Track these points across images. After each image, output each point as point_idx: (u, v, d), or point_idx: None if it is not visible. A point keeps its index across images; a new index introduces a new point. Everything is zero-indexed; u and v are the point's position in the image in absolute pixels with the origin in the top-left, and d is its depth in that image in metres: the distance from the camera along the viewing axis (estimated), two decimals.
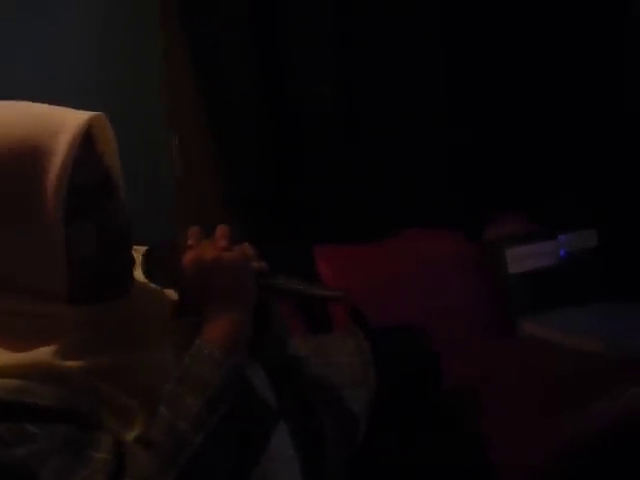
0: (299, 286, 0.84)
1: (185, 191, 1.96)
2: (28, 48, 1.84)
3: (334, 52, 2.01)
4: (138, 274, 0.81)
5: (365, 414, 1.13)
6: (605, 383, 1.66)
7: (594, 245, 2.26)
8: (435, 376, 1.32)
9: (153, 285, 0.82)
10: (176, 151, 1.92)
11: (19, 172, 0.70)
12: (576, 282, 2.17)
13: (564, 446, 1.49)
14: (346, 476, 1.00)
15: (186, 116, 1.89)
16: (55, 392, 0.68)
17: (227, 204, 1.87)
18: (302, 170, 1.99)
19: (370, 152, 2.10)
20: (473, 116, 2.29)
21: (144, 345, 0.76)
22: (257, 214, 1.91)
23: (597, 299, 2.11)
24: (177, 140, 1.92)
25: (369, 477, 1.21)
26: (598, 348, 1.77)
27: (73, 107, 0.77)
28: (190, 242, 0.78)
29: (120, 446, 0.67)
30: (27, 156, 0.70)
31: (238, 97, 1.85)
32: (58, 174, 0.70)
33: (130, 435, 0.69)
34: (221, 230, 0.79)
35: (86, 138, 0.74)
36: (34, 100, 0.79)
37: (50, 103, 0.78)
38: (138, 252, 0.82)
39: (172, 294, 0.83)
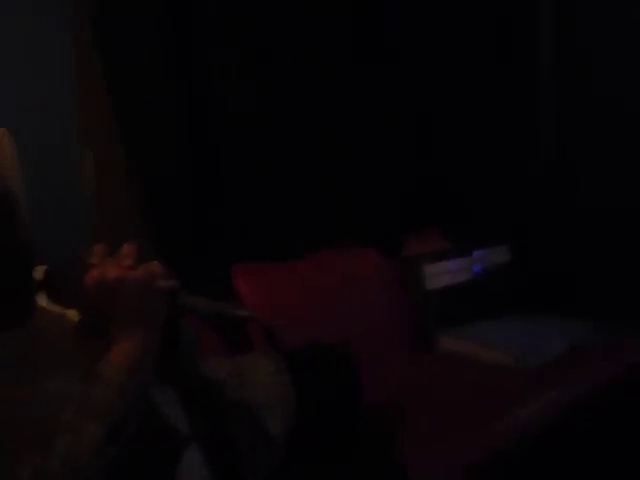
0: (210, 305, 0.83)
1: (100, 208, 1.90)
2: None
3: (253, 70, 2.02)
4: (40, 296, 0.78)
5: (284, 435, 1.12)
6: (518, 393, 1.72)
7: (507, 260, 2.36)
8: (355, 393, 1.32)
9: (56, 307, 0.79)
10: (90, 167, 1.86)
11: None
12: (490, 297, 2.25)
13: (484, 456, 1.52)
14: None
15: (99, 132, 1.84)
16: None
17: (142, 221, 1.82)
18: (221, 188, 1.97)
19: (290, 171, 2.11)
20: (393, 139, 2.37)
21: (43, 374, 0.72)
22: (173, 232, 1.87)
23: (510, 312, 2.19)
24: (91, 156, 1.86)
25: None
26: (510, 360, 1.84)
27: None
28: (93, 261, 0.76)
29: None
30: None
31: (153, 113, 1.82)
32: None
33: (24, 471, 0.65)
34: (127, 248, 0.77)
35: None
36: None
37: None
38: (41, 272, 0.78)
39: (76, 315, 0.80)
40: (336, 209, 2.17)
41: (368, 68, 2.29)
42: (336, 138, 2.20)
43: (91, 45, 1.79)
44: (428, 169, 2.47)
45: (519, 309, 2.22)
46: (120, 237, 0.93)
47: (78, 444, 0.65)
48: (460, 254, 2.26)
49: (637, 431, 1.81)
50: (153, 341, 0.75)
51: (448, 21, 2.48)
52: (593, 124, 2.53)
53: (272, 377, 1.10)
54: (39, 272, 0.78)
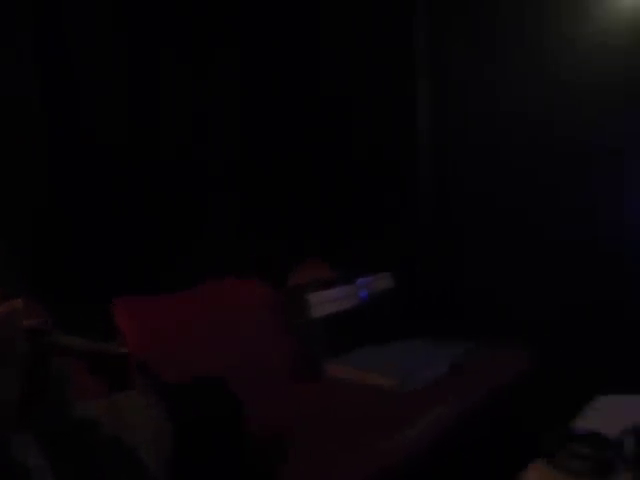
0: (85, 344, 0.80)
1: None
2: None
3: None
4: None
5: (162, 471, 1.08)
6: (402, 414, 1.77)
7: (390, 287, 2.44)
8: (236, 426, 1.30)
9: None
10: None
11: None
12: (375, 322, 2.32)
13: (374, 476, 1.54)
14: None
15: None
16: None
17: (12, 257, 1.72)
18: (95, 222, 1.91)
19: (175, 201, 2.08)
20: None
21: None
22: (48, 267, 1.78)
23: (395, 337, 2.27)
24: None
25: None
26: (394, 383, 1.88)
27: None
28: None
29: None
30: None
31: (24, 143, 1.75)
32: None
33: None
34: None
35: None
36: None
37: None
38: None
39: None
40: (220, 239, 2.16)
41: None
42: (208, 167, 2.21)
43: None
44: (311, 202, 2.53)
45: (404, 333, 2.30)
46: None
47: None
48: (345, 282, 2.31)
49: (517, 440, 1.91)
50: (13, 385, 0.70)
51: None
52: (470, 153, 2.71)
53: (148, 413, 1.06)
54: None
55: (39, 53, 1.82)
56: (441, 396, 1.85)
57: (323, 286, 2.22)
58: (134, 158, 2.00)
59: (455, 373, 1.98)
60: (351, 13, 2.66)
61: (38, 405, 0.79)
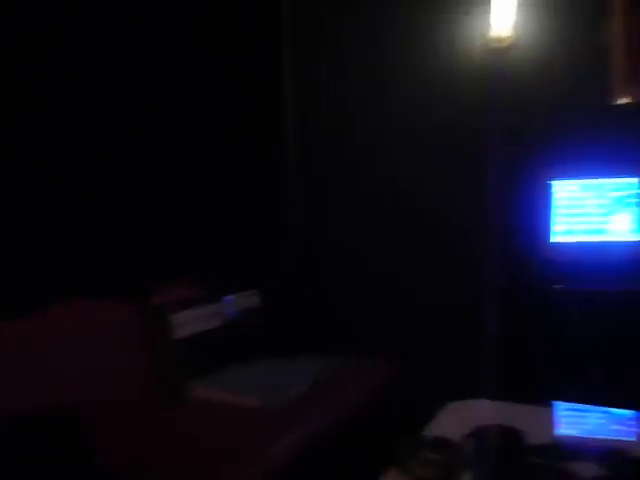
0: None
1: None
2: None
3: None
4: None
5: None
6: (267, 432, 1.75)
7: (256, 305, 2.42)
8: (85, 457, 1.22)
9: None
10: None
11: None
12: (241, 341, 2.29)
13: None
14: None
15: None
16: None
17: None
18: None
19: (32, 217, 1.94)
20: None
21: None
22: None
23: (261, 355, 2.25)
24: None
25: None
26: (257, 402, 1.86)
27: None
28: None
29: None
30: None
31: None
32: None
33: None
34: None
35: None
36: None
37: None
38: None
39: None
40: (77, 256, 2.03)
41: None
42: (74, 183, 2.08)
43: None
44: (174, 217, 2.47)
45: (269, 351, 2.29)
46: None
47: None
48: (210, 300, 2.26)
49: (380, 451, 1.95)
50: None
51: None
52: (337, 168, 2.78)
53: None
54: None
55: None
56: (304, 413, 1.85)
57: (187, 305, 2.15)
58: None
59: (318, 389, 1.99)
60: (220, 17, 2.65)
61: None
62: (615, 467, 0.96)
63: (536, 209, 2.44)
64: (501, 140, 2.51)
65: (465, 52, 2.61)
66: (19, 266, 1.90)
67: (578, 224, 2.41)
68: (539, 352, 2.29)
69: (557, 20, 2.53)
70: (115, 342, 1.91)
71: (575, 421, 1.59)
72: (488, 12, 2.51)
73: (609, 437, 1.40)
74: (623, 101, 2.52)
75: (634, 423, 1.59)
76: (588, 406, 1.60)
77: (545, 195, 2.43)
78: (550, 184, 2.43)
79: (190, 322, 2.12)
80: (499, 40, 2.55)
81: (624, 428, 1.54)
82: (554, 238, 2.42)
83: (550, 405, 1.65)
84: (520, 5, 2.51)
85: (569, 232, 2.42)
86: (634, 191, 2.38)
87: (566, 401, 1.70)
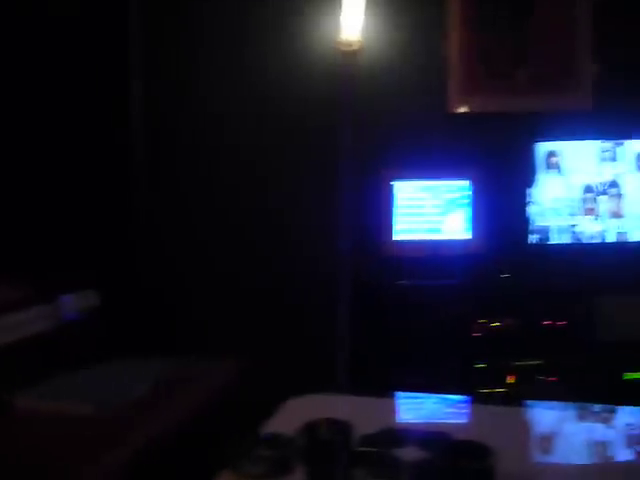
0: None
1: None
2: None
3: None
4: None
5: None
6: (103, 439, 1.64)
7: (95, 304, 2.28)
8: None
9: None
10: None
11: None
12: (77, 344, 2.14)
13: None
14: None
15: None
16: None
17: None
18: None
19: None
20: None
21: None
22: None
23: (100, 359, 2.12)
24: None
25: None
26: (90, 409, 1.75)
27: None
28: None
29: None
30: None
31: None
32: None
33: None
34: None
35: None
36: None
37: None
38: None
39: None
40: None
41: None
42: None
43: None
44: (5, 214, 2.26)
45: (108, 355, 2.16)
46: None
47: None
48: (44, 301, 2.09)
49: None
50: None
51: None
52: (180, 165, 2.69)
53: None
54: None
55: None
56: (142, 417, 1.77)
57: (15, 307, 1.97)
58: None
59: (159, 391, 1.91)
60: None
61: None
62: (437, 450, 1.01)
63: (381, 208, 2.54)
64: (350, 141, 2.58)
65: (317, 53, 2.65)
66: None
67: (417, 223, 2.54)
68: (385, 346, 2.38)
69: (404, 30, 2.65)
70: None
71: (410, 409, 1.66)
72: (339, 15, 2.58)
73: (437, 422, 1.48)
74: (460, 110, 2.70)
75: (461, 407, 1.69)
76: (425, 394, 1.68)
77: (389, 195, 2.53)
78: (392, 185, 2.54)
79: (14, 326, 1.94)
80: (348, 44, 2.62)
81: (452, 412, 1.63)
82: (397, 236, 2.53)
83: (388, 396, 1.70)
84: (368, 12, 2.59)
85: (409, 230, 2.54)
86: (466, 193, 2.56)
87: (408, 390, 1.77)
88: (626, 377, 2.39)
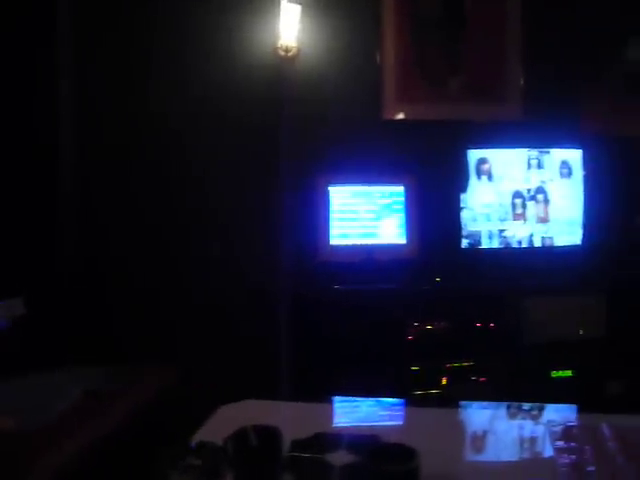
0: None
1: None
2: None
3: None
4: None
5: None
6: (25, 459, 1.58)
7: (21, 313, 2.20)
8: None
9: None
10: None
11: None
12: (3, 355, 2.05)
13: None
14: None
15: None
16: None
17: None
18: None
19: None
20: None
21: None
22: None
23: (24, 370, 2.04)
24: None
25: None
26: (13, 424, 1.68)
27: None
28: None
29: None
30: None
31: None
32: None
33: None
34: None
35: None
36: None
37: None
38: None
39: None
40: None
41: None
42: None
43: None
44: None
45: (36, 365, 2.08)
46: None
47: None
48: None
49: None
50: None
51: None
52: (112, 168, 2.62)
53: None
54: None
55: None
56: (72, 428, 1.71)
57: None
58: None
59: (87, 403, 1.86)
60: None
61: None
62: (365, 452, 1.02)
63: (318, 213, 2.55)
64: (288, 145, 2.59)
65: (256, 56, 2.64)
66: None
67: (353, 228, 2.57)
68: (322, 351, 2.39)
69: (341, 36, 2.68)
70: None
71: (344, 413, 1.67)
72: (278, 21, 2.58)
73: (370, 425, 1.49)
74: (394, 117, 2.74)
75: (395, 410, 1.71)
76: (361, 398, 1.69)
77: (325, 200, 2.54)
78: (328, 190, 2.55)
79: None
80: (286, 49, 2.63)
81: (386, 416, 1.65)
82: (333, 241, 2.55)
83: (324, 400, 1.71)
84: (306, 19, 2.61)
85: (345, 235, 2.56)
86: (400, 198, 2.60)
87: (345, 394, 1.78)
88: (554, 375, 2.48)
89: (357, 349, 2.36)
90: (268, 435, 1.04)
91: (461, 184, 2.55)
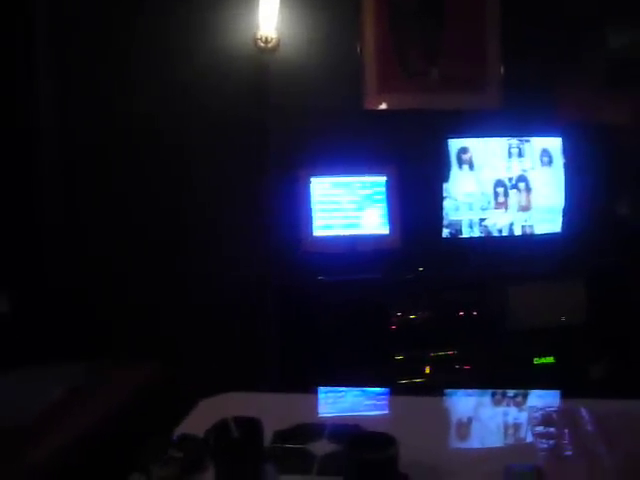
0: None
1: None
2: None
3: None
4: None
5: None
6: (8, 457, 1.57)
7: (5, 309, 2.19)
8: None
9: None
10: None
11: None
12: None
13: None
14: None
15: None
16: None
17: None
18: None
19: None
20: None
21: None
22: None
23: (8, 366, 2.02)
24: None
25: None
26: (2, 421, 1.67)
27: None
28: None
29: None
30: None
31: None
32: None
33: None
34: None
35: None
36: None
37: None
38: None
39: None
40: None
41: None
42: None
43: None
44: None
45: (20, 360, 2.07)
46: None
47: None
48: None
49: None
50: None
51: None
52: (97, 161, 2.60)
53: None
54: None
55: None
56: (54, 425, 1.71)
57: None
58: None
59: (73, 397, 1.85)
60: None
61: None
62: (346, 442, 1.02)
63: (300, 205, 2.55)
64: (269, 137, 2.58)
65: (236, 48, 2.63)
66: None
67: (335, 219, 2.57)
68: (307, 342, 2.40)
69: (320, 27, 2.67)
70: None
71: (327, 403, 1.68)
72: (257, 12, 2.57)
73: (353, 415, 1.50)
74: (375, 107, 2.74)
75: (378, 399, 1.73)
76: (345, 388, 1.70)
77: (306, 191, 2.54)
78: (310, 181, 2.55)
79: None
80: (265, 40, 2.61)
81: (369, 405, 1.66)
82: (316, 232, 2.55)
83: (308, 391, 1.72)
84: (286, 9, 2.60)
85: (328, 226, 2.56)
86: (382, 188, 2.61)
87: (329, 384, 1.79)
88: (536, 362, 2.51)
89: (341, 339, 2.37)
90: (249, 426, 1.05)
91: (442, 174, 2.56)
